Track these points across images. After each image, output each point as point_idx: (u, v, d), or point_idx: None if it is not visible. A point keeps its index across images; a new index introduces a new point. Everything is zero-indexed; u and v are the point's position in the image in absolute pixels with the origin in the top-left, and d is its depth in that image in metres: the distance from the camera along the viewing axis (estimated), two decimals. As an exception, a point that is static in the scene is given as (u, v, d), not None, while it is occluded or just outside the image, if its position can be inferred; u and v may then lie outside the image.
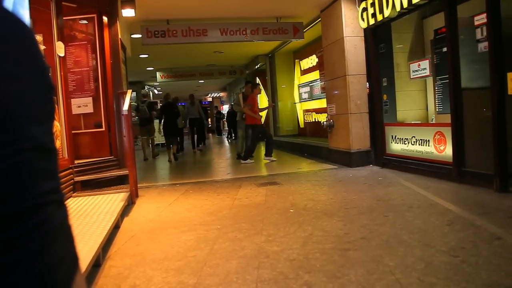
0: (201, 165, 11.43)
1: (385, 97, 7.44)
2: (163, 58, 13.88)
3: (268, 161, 9.72)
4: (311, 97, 12.34)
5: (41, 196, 0.52)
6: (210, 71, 17.18)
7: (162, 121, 12.99)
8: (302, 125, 13.55)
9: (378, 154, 7.63)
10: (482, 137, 5.05)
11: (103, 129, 6.66)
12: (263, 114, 12.52)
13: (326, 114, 11.07)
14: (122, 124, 6.11)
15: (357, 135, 7.87)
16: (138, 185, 6.90)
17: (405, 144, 6.82)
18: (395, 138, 7.13)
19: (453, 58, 5.38)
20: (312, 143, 10.43)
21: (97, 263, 3.26)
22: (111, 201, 5.21)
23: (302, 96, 13.15)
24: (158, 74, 16.44)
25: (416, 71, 6.68)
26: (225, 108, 30.31)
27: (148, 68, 15.84)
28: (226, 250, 3.51)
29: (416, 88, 7.41)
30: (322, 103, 11.36)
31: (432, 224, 3.81)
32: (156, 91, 23.96)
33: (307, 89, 12.59)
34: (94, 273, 3.12)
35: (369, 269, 2.84)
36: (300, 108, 13.57)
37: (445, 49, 5.79)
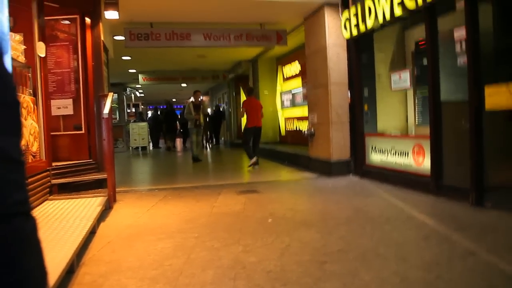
0: (181, 169, 11.37)
1: (366, 107, 7.51)
2: (145, 60, 13.80)
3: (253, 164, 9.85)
4: (293, 105, 12.39)
5: (11, 206, 0.51)
6: (193, 75, 17.15)
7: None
8: (283, 133, 13.60)
9: (358, 164, 7.69)
10: (460, 151, 5.13)
11: (83, 131, 6.59)
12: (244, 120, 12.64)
13: (307, 122, 11.14)
14: (102, 127, 6.03)
15: (338, 145, 7.91)
16: (117, 189, 6.84)
17: (384, 155, 6.88)
18: (375, 148, 7.19)
19: (433, 70, 5.46)
20: (292, 151, 10.46)
21: (71, 270, 3.21)
22: (88, 206, 5.14)
23: (284, 103, 13.21)
24: (140, 77, 16.36)
25: (397, 82, 6.75)
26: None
27: (130, 70, 15.74)
28: (203, 259, 3.49)
29: (397, 100, 7.49)
30: (304, 111, 11.41)
31: (408, 238, 3.85)
32: (138, 94, 23.80)
33: (289, 96, 12.65)
34: (67, 280, 3.07)
35: (345, 282, 2.85)
36: (282, 115, 13.62)
37: (425, 61, 5.87)
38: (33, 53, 5.37)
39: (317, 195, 6.28)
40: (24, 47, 5.12)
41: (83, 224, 4.22)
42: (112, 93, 6.39)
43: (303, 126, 11.70)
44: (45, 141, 5.60)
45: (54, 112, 6.39)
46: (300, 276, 3.01)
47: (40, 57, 5.44)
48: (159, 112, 20.43)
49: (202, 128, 12.78)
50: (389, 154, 6.74)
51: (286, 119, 13.28)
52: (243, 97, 18.04)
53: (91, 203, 5.28)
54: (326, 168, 8.08)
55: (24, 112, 4.96)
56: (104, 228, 4.75)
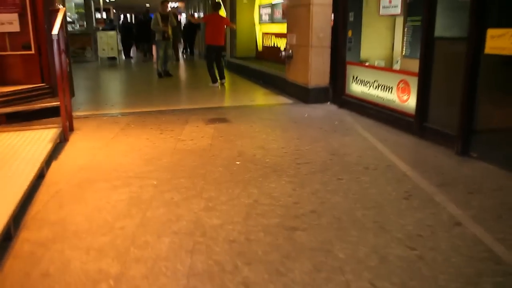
0: (149, 86, 10.73)
1: (350, 33, 6.90)
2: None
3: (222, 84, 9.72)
4: (272, 20, 11.58)
5: None
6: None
7: None
8: (260, 48, 12.88)
9: (336, 92, 7.23)
10: (450, 93, 4.69)
11: (33, 51, 5.88)
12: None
13: (286, 40, 10.48)
14: (54, 47, 5.34)
15: (317, 71, 7.39)
16: (76, 114, 6.31)
17: (366, 86, 6.42)
18: (356, 78, 6.70)
19: (430, 1, 4.85)
20: (268, 71, 9.85)
21: (8, 236, 2.79)
22: (38, 141, 4.63)
23: (263, 17, 12.36)
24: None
25: (387, 7, 6.12)
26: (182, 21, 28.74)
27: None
28: (159, 220, 3.09)
29: (384, 26, 6.88)
30: (282, 28, 10.69)
31: (388, 196, 3.51)
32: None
33: (268, 10, 11.79)
34: (2, 251, 2.66)
35: (317, 262, 2.51)
36: (259, 30, 12.81)
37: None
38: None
39: (292, 128, 5.86)
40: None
41: (29, 169, 3.75)
42: (64, 8, 5.62)
43: (282, 44, 11.03)
44: (-13, 64, 4.94)
45: (-2, 28, 5.66)
46: (266, 251, 2.65)
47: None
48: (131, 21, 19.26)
49: (171, 41, 12.01)
50: (372, 87, 6.27)
51: (264, 34, 12.51)
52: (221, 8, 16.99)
53: (42, 137, 4.76)
54: (303, 94, 7.61)
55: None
56: (55, 170, 4.27)
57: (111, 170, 4.22)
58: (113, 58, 16.64)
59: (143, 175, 4.04)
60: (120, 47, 18.55)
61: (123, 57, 18.92)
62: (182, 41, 21.74)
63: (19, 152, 4.23)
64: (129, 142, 5.20)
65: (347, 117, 6.40)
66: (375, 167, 4.19)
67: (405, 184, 3.73)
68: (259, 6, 12.59)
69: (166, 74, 11.78)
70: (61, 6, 5.83)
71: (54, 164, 4.41)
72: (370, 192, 3.60)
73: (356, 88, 6.71)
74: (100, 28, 19.55)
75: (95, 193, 3.64)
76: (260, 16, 12.55)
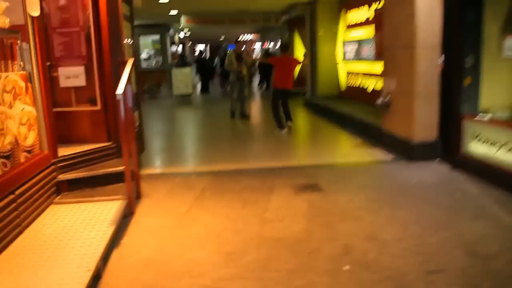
0: (225, 131, 9.94)
1: (468, 80, 5.69)
2: (187, 1, 12.08)
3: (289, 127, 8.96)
4: (359, 58, 10.51)
5: None
6: (241, 17, 15.28)
7: None
8: (343, 87, 11.80)
9: (448, 150, 5.99)
10: None
11: (98, 107, 5.19)
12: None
13: (375, 79, 9.39)
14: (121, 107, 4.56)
15: (422, 123, 6.20)
16: (147, 173, 5.58)
17: (494, 147, 5.16)
18: (477, 136, 5.46)
19: None
20: (359, 117, 8.70)
21: None
22: (98, 222, 3.86)
23: (347, 54, 11.32)
24: (183, 19, 14.69)
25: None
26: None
27: (171, 13, 14.03)
28: None
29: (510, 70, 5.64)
30: (371, 67, 9.62)
31: None
32: (182, 34, 22.20)
33: (354, 47, 10.74)
34: None
35: None
36: (343, 68, 11.76)
37: None
38: (23, 12, 3.89)
39: (403, 203, 4.68)
40: (7, 4, 3.65)
41: (82, 271, 2.92)
42: (132, 59, 4.90)
43: (369, 84, 9.92)
44: (46, 126, 4.25)
45: (63, 83, 5.02)
46: None
47: (33, 16, 3.97)
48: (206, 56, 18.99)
49: (246, 81, 11.29)
50: (501, 149, 5.01)
51: (348, 73, 11.45)
52: (297, 42, 16.21)
53: (103, 215, 3.99)
54: (404, 149, 6.43)
55: (8, 97, 3.57)
56: (115, 266, 3.41)
57: (182, 272, 3.29)
58: (188, 95, 16.17)
59: (222, 285, 3.07)
60: (196, 81, 18.22)
61: (199, 91, 18.52)
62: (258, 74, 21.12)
63: (74, 240, 3.45)
64: (205, 222, 4.29)
65: (469, 185, 5.14)
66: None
67: None
68: (343, 43, 11.57)
69: (242, 115, 11.14)
70: (129, 57, 5.15)
71: (115, 255, 3.57)
72: None
73: (477, 148, 5.46)
74: (174, 62, 19.41)
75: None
76: (344, 53, 11.52)
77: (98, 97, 5.20)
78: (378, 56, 7.68)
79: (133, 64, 4.94)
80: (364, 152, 7.11)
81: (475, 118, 5.59)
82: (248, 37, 31.08)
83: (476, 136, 5.47)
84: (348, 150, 7.28)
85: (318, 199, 4.83)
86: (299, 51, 15.99)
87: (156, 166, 6.36)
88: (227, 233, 4.00)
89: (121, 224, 4.04)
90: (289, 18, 15.04)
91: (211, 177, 5.75)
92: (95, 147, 5.04)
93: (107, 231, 3.67)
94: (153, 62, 19.15)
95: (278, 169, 6.10)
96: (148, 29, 18.28)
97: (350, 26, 11.06)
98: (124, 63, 4.80)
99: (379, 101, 7.04)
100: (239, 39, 11.31)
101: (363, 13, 10.09)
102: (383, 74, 7.18)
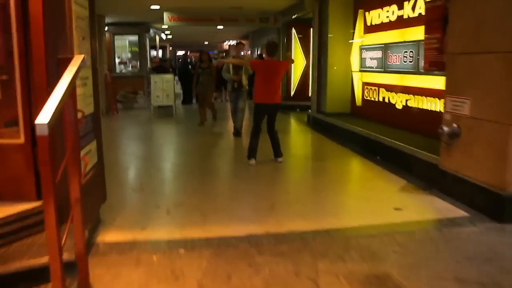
0: (217, 162, 7.78)
1: None
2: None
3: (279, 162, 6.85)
4: (384, 67, 8.48)
5: None
6: (234, 15, 13.15)
7: None
8: (359, 103, 9.76)
9: None
10: None
11: (21, 139, 3.04)
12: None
13: (405, 95, 7.42)
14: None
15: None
16: (106, 240, 3.47)
17: None
18: None
19: None
20: (395, 145, 6.60)
21: None
22: None
23: (366, 63, 9.28)
24: (165, 15, 12.51)
25: None
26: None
27: (152, 7, 11.84)
28: None
29: None
30: (403, 79, 7.63)
31: None
32: (164, 36, 19.98)
33: (378, 54, 8.71)
34: None
35: None
36: (359, 79, 9.72)
37: None
38: None
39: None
40: None
41: None
42: (82, 56, 2.74)
43: (397, 100, 7.92)
44: None
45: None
46: None
47: None
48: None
49: (244, 92, 9.20)
50: None
51: (365, 84, 9.42)
52: (296, 47, 14.23)
53: None
54: (487, 202, 4.42)
55: None
56: None
57: None
58: (168, 107, 13.89)
59: None
60: (178, 90, 15.85)
61: (181, 102, 16.16)
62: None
63: None
64: None
65: None
66: None
67: None
68: (360, 48, 9.54)
69: (236, 133, 9.33)
70: (78, 53, 3.02)
71: None
72: None
73: None
74: (151, 67, 17.20)
75: None
76: (362, 61, 9.48)
77: (21, 122, 3.03)
78: (431, 66, 5.66)
79: (94, 67, 2.82)
80: (419, 202, 5.02)
81: None
82: (232, 42, 28.99)
83: None
84: (396, 199, 5.10)
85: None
86: (299, 59, 14.03)
87: (123, 226, 4.14)
88: None
89: None
90: (290, 20, 13.11)
91: (209, 253, 3.58)
92: (9, 214, 2.87)
93: None
94: (129, 67, 16.84)
95: (311, 236, 3.96)
96: (124, 28, 16.06)
97: (371, 28, 9.04)
98: (67, 61, 2.66)
99: (443, 129, 5.00)
100: (240, 42, 9.28)
101: (391, 13, 8.10)
102: (447, 92, 5.14)
